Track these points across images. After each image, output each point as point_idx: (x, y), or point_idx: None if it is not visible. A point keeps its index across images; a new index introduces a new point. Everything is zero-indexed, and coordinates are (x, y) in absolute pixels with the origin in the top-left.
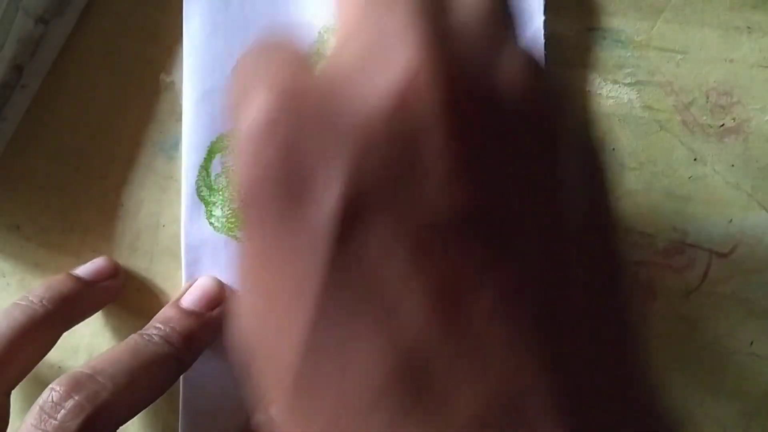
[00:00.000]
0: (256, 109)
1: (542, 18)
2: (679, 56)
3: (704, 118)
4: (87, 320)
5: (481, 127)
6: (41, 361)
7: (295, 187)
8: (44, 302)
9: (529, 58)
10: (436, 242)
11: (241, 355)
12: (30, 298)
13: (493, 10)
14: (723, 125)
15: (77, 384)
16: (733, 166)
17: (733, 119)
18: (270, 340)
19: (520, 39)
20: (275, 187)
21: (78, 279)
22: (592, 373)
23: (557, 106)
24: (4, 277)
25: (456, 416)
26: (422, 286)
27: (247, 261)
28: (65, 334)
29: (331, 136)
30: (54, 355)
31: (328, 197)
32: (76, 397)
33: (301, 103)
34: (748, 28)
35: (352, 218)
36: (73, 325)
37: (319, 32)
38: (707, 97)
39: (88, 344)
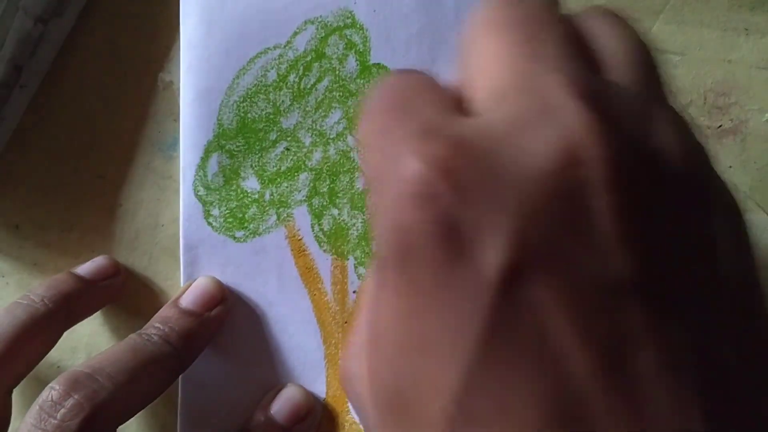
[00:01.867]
0: (407, 180)
1: None
2: (678, 57)
3: (702, 119)
4: (86, 320)
5: (648, 190)
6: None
7: (456, 246)
8: (46, 301)
9: (683, 119)
10: (603, 302)
11: (382, 400)
12: (32, 297)
13: (647, 70)
14: (721, 126)
15: (76, 383)
16: (730, 167)
17: (731, 120)
18: (423, 384)
19: (669, 97)
20: (435, 247)
21: (79, 278)
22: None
23: (710, 169)
24: (3, 276)
25: None
26: (588, 340)
27: (391, 312)
28: (64, 333)
29: (495, 197)
30: (53, 354)
31: (494, 253)
32: (76, 396)
33: (459, 173)
34: (746, 29)
35: (518, 273)
36: (75, 323)
37: (304, 22)
38: (705, 98)
39: (87, 344)
